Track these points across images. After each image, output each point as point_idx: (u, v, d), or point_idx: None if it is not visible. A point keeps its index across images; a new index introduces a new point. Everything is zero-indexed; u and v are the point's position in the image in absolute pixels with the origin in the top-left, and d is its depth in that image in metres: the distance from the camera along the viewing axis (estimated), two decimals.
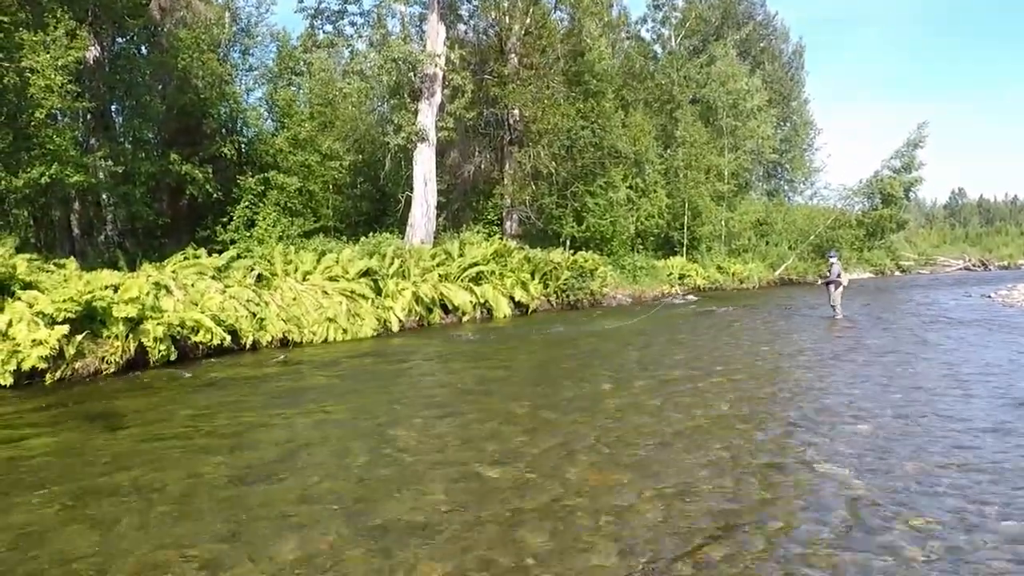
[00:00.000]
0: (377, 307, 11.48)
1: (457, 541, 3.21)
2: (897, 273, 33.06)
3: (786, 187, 34.47)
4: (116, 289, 8.28)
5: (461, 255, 14.49)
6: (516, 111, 18.93)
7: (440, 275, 13.46)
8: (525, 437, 4.94)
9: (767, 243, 27.04)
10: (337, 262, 12.14)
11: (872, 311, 14.23)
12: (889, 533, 3.24)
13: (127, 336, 7.93)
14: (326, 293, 11.00)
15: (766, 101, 27.07)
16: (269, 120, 16.53)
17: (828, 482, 3.95)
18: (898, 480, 3.94)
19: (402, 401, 6.27)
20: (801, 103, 34.79)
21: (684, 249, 23.06)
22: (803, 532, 3.29)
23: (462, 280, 13.70)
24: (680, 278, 21.08)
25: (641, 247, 22.12)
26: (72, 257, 9.28)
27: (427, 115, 15.97)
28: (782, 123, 32.49)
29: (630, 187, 21.39)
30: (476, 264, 14.16)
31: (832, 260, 13.05)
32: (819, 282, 14.01)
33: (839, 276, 12.76)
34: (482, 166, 19.65)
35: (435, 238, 16.07)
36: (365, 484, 3.98)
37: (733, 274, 23.19)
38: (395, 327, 11.38)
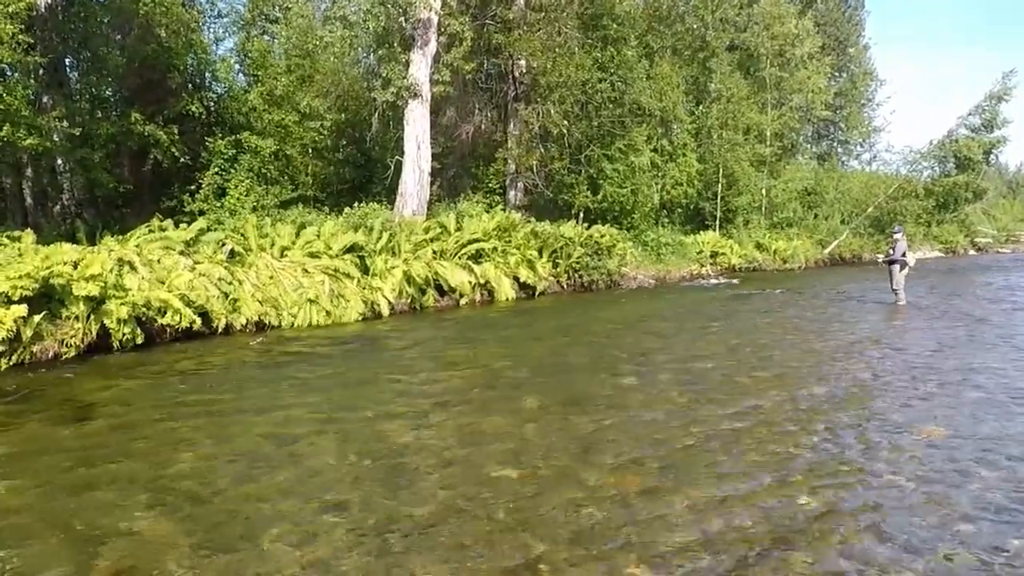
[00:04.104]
0: (364, 287, 11.91)
1: (462, 550, 3.45)
2: (972, 252, 32.92)
3: (840, 150, 34.35)
4: (76, 265, 8.76)
5: (458, 229, 14.85)
6: (522, 62, 19.06)
7: (434, 252, 13.85)
8: (536, 436, 5.20)
9: (816, 216, 27.02)
10: (318, 236, 12.58)
11: (941, 296, 14.38)
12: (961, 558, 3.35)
13: (88, 317, 8.44)
14: (306, 271, 11.45)
15: (818, 48, 26.84)
16: (241, 74, 16.87)
17: (890, 496, 4.05)
18: (976, 496, 4.04)
19: (395, 394, 6.62)
20: (860, 49, 34.43)
21: (717, 223, 23.22)
22: (860, 557, 3.36)
23: (460, 258, 14.08)
24: (712, 256, 21.29)
25: (667, 220, 22.34)
26: (28, 229, 9.75)
27: (420, 67, 16.20)
28: (837, 73, 32.23)
29: (655, 150, 21.51)
30: (476, 240, 14.52)
31: (896, 236, 13.18)
32: (880, 260, 14.21)
33: (904, 255, 12.89)
34: (483, 126, 19.87)
35: (429, 209, 16.42)
36: (359, 486, 4.26)
37: (775, 252, 23.27)
38: (384, 310, 11.81)
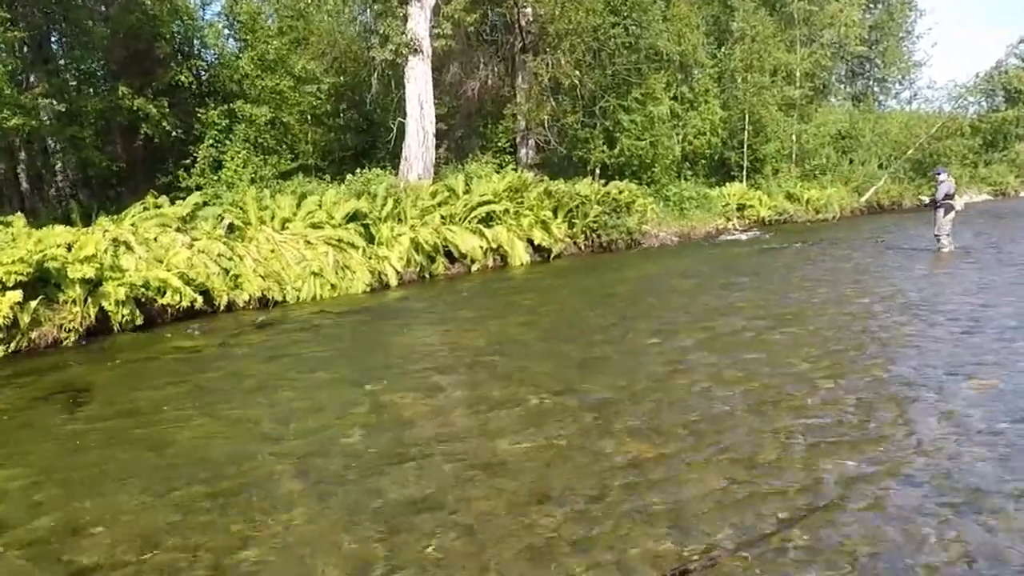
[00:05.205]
0: (369, 257, 11.85)
1: (470, 530, 3.38)
2: None
3: (877, 89, 33.08)
4: (70, 247, 8.80)
5: (467, 191, 14.66)
6: (528, 9, 18.55)
7: (443, 217, 13.71)
8: (550, 404, 5.13)
9: (851, 162, 26.25)
10: (320, 206, 12.47)
11: (989, 242, 13.95)
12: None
13: (86, 300, 8.49)
14: (309, 243, 11.40)
15: None
16: (231, 39, 16.65)
17: (931, 461, 3.89)
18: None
19: (402, 366, 6.60)
20: None
21: (744, 173, 22.67)
22: (892, 522, 3.27)
23: (469, 222, 13.92)
24: (739, 209, 20.85)
25: (690, 173, 21.86)
26: (19, 213, 9.80)
27: (419, 21, 15.84)
28: (872, 5, 30.90)
29: (674, 98, 20.93)
30: (486, 202, 14.32)
31: (940, 178, 12.81)
32: (923, 199, 14.02)
33: (947, 197, 12.48)
34: (489, 81, 19.47)
35: (436, 172, 16.24)
36: (361, 462, 4.24)
37: (807, 202, 22.74)
38: (392, 280, 11.77)
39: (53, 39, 15.02)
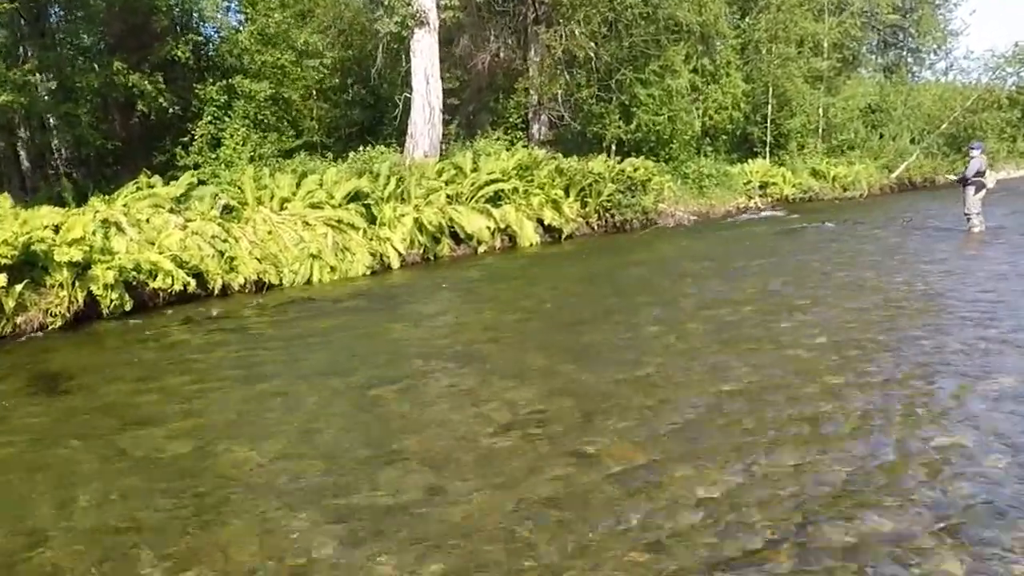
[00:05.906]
0: (371, 239, 11.57)
1: (443, 536, 3.17)
2: None
3: (910, 59, 31.94)
4: (57, 229, 8.60)
5: (475, 170, 14.28)
6: None
7: (449, 196, 13.36)
8: (537, 398, 4.88)
9: (881, 137, 25.50)
10: (320, 185, 12.18)
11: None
12: None
13: (73, 284, 8.30)
14: (308, 224, 11.13)
15: None
16: (232, 11, 16.31)
17: (948, 470, 3.56)
18: None
19: (393, 355, 6.37)
20: None
21: (767, 149, 22.03)
22: (903, 534, 2.98)
23: (476, 201, 13.57)
24: (761, 187, 20.30)
25: (710, 149, 21.26)
26: (6, 193, 9.62)
27: None
28: None
29: (694, 71, 20.30)
30: (494, 180, 13.95)
31: (973, 153, 12.22)
32: (951, 178, 13.43)
33: (979, 174, 11.91)
34: (500, 54, 18.91)
35: (443, 149, 15.85)
36: (337, 460, 4.05)
37: (834, 179, 22.21)
38: (394, 262, 11.50)
39: (51, 12, 14.77)
